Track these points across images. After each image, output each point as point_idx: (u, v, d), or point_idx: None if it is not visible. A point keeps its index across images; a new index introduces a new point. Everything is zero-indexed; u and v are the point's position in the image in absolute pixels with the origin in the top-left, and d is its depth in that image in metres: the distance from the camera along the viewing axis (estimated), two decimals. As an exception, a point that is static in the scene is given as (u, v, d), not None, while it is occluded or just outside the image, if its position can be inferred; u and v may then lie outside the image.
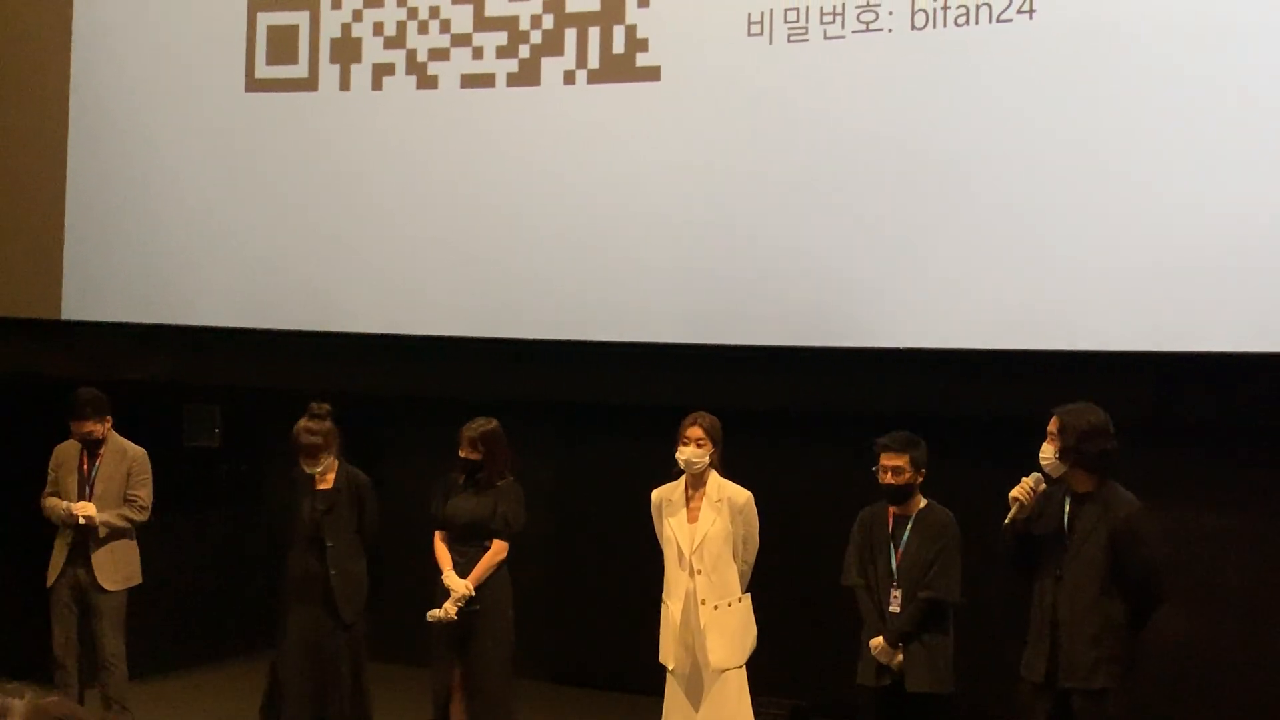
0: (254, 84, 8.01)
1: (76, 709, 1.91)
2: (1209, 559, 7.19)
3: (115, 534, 6.85)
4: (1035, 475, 5.26)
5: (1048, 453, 5.23)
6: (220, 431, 9.19)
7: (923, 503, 5.80)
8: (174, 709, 7.76)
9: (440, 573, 6.41)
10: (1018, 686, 5.38)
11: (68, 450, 6.99)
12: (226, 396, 9.08)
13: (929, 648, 5.67)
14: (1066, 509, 5.26)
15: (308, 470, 6.51)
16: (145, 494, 6.94)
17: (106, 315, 8.28)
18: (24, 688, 1.87)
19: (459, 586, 6.30)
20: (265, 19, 7.99)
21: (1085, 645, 5.14)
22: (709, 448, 5.96)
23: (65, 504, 6.79)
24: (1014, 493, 5.27)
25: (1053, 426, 5.24)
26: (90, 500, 6.82)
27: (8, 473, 7.40)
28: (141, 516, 6.93)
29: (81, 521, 6.73)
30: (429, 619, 6.33)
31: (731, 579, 5.96)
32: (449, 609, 6.28)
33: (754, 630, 6.02)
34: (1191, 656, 7.12)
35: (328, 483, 6.58)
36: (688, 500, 6.01)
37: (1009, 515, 5.29)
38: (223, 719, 7.64)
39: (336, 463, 6.57)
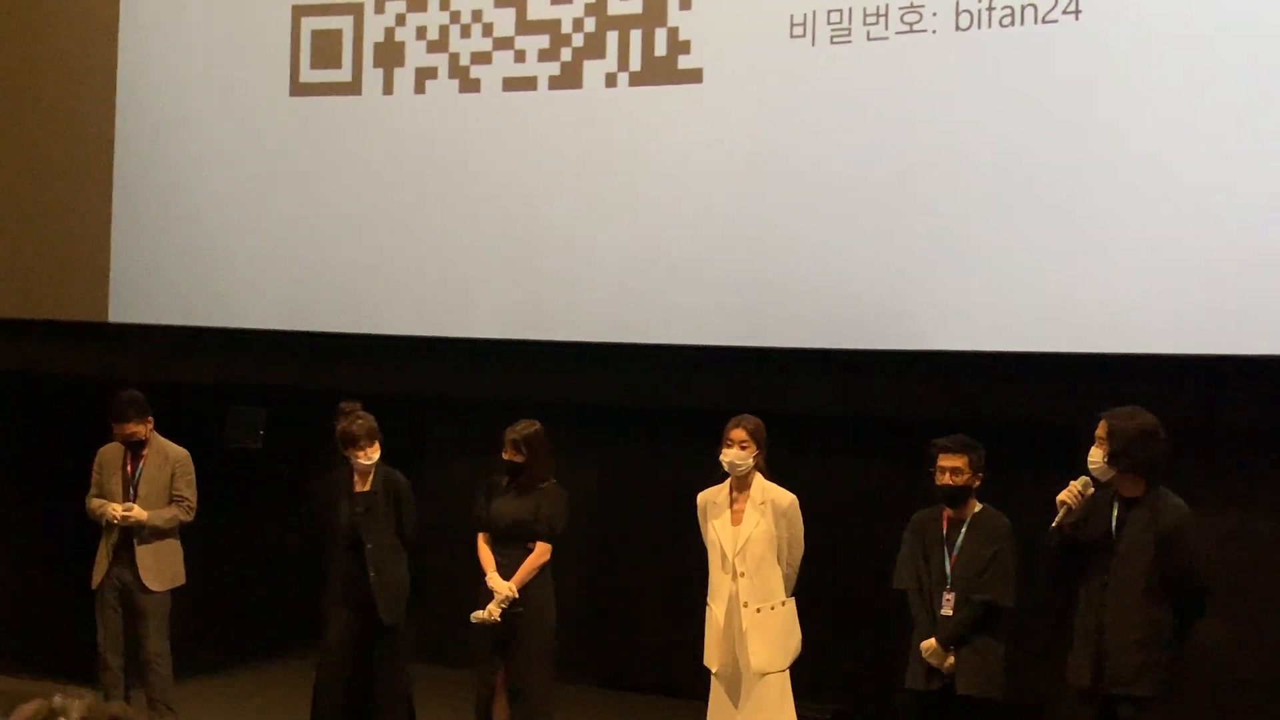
0: (298, 88, 8.05)
1: (137, 717, 1.92)
2: (1254, 564, 7.12)
3: (160, 535, 6.90)
4: (1084, 479, 5.20)
5: (1096, 457, 5.16)
6: (264, 433, 9.24)
7: (977, 506, 5.78)
8: (217, 709, 7.80)
9: (484, 574, 6.42)
10: (1064, 693, 5.33)
11: (111, 452, 7.03)
12: (270, 398, 9.13)
13: (981, 651, 5.64)
14: (1114, 514, 5.21)
15: (362, 461, 6.55)
16: (191, 494, 7.00)
17: (152, 318, 8.33)
18: (85, 692, 1.89)
19: (502, 588, 6.30)
20: (309, 23, 8.03)
21: (1131, 651, 5.09)
22: (753, 450, 5.94)
23: (112, 505, 6.84)
24: (1062, 496, 5.22)
25: (1101, 430, 5.17)
26: (135, 502, 6.87)
27: (54, 474, 7.47)
28: (189, 517, 6.99)
29: (121, 521, 6.77)
30: (472, 620, 6.34)
31: (775, 582, 5.94)
32: (493, 611, 6.29)
33: (798, 634, 6.00)
34: (1236, 662, 7.05)
35: (366, 484, 6.62)
36: (732, 503, 6.00)
37: (1056, 519, 5.24)
38: (267, 719, 7.68)
39: (377, 456, 6.61)
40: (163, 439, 7.05)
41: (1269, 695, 7.04)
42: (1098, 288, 6.31)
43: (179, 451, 7.04)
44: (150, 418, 6.98)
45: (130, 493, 6.91)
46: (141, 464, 6.95)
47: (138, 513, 6.80)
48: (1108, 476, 5.17)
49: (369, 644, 6.56)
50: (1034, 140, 6.42)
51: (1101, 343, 6.32)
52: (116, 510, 6.80)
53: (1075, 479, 5.22)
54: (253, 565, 8.92)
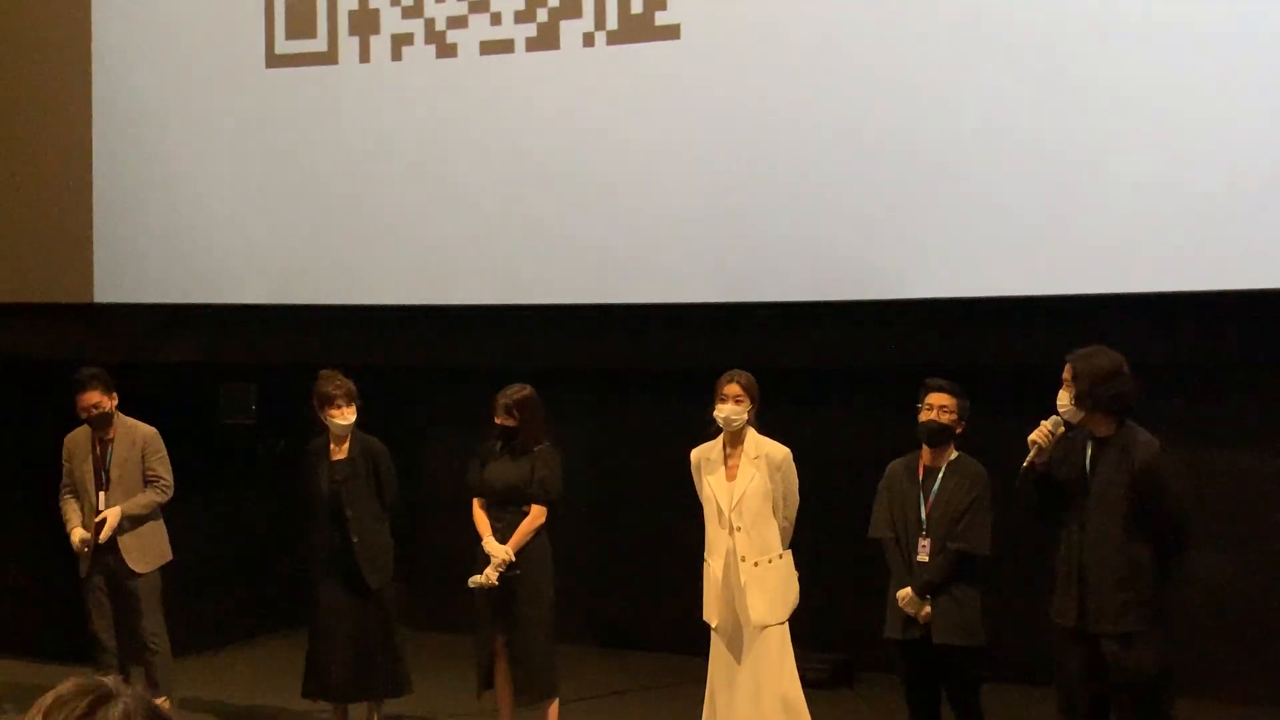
0: (274, 59, 7.99)
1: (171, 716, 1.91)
2: (1245, 500, 7.15)
3: (140, 519, 6.85)
4: (1054, 418, 5.25)
5: (1064, 400, 5.22)
6: (256, 409, 9.22)
7: (954, 454, 5.78)
8: (212, 686, 7.80)
9: (480, 539, 6.43)
10: (1055, 634, 5.35)
11: (78, 438, 6.95)
12: (261, 374, 9.11)
13: (958, 600, 5.64)
14: (1088, 454, 5.24)
15: (338, 421, 6.55)
16: (165, 471, 6.91)
17: (138, 297, 8.30)
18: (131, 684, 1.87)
19: (499, 552, 6.32)
20: (283, -7, 7.97)
21: (1112, 590, 5.12)
22: (747, 405, 5.95)
23: (79, 533, 6.79)
24: (1033, 436, 5.27)
25: (1067, 373, 5.23)
26: (108, 488, 6.82)
27: (44, 458, 7.43)
28: (164, 496, 6.91)
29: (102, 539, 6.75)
30: (470, 585, 6.36)
31: (771, 535, 5.95)
32: (490, 575, 6.30)
33: (796, 587, 6.01)
34: (1229, 597, 7.09)
35: (343, 452, 6.62)
36: (726, 458, 6.01)
37: (1028, 458, 5.28)
38: (262, 694, 7.68)
39: (353, 418, 6.59)
40: (128, 418, 6.95)
41: (1262, 627, 7.08)
42: (1079, 227, 6.31)
43: (147, 430, 6.94)
44: (114, 393, 6.88)
45: (102, 478, 6.84)
46: (110, 448, 6.87)
47: (110, 519, 6.73)
48: (1078, 418, 5.22)
49: (357, 610, 6.58)
50: (1019, 79, 6.40)
51: (1085, 283, 6.32)
52: (86, 538, 6.73)
53: (1046, 419, 5.25)
54: (248, 541, 8.91)
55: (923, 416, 5.74)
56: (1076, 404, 5.18)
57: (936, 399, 5.73)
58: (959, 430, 5.76)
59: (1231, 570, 7.07)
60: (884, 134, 6.65)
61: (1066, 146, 6.30)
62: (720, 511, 5.95)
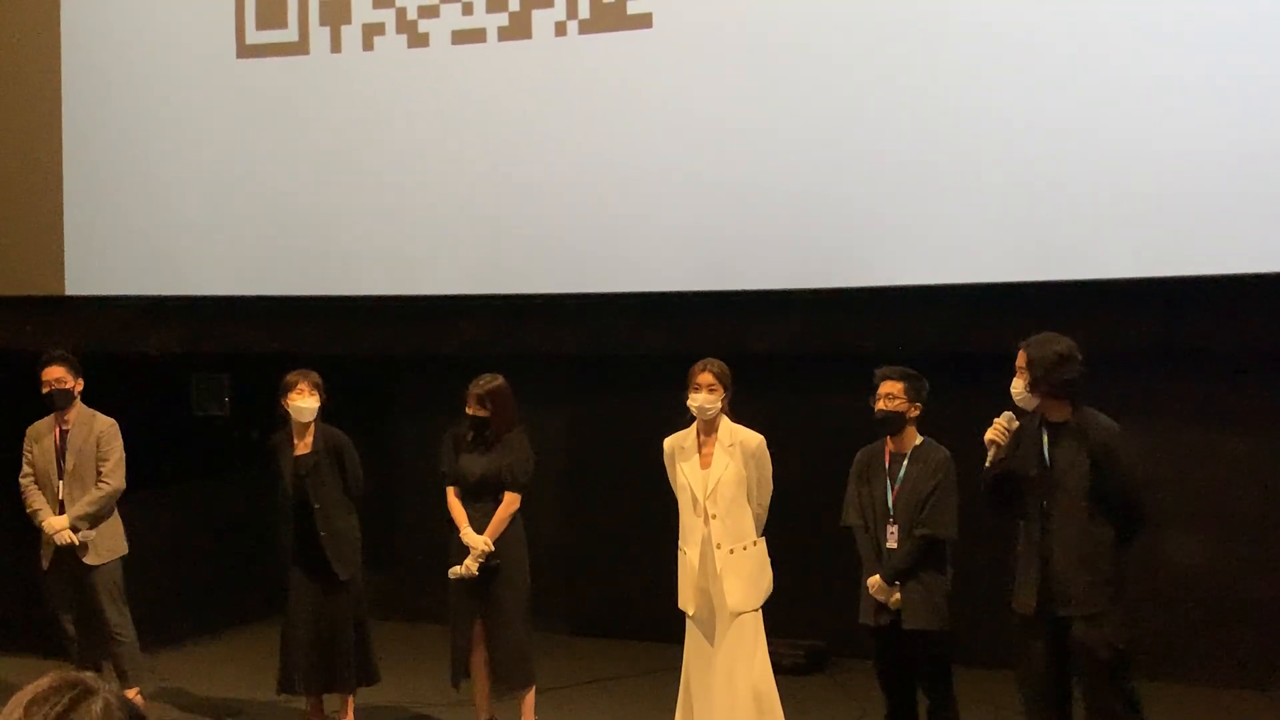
0: (245, 50, 7.97)
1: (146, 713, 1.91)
2: (1222, 483, 7.20)
3: (93, 514, 6.81)
4: (1007, 414, 5.29)
5: (1018, 387, 5.25)
6: (229, 400, 9.20)
7: (919, 439, 5.80)
8: (186, 678, 7.78)
9: (456, 529, 6.43)
10: (1016, 624, 5.37)
11: (41, 429, 6.92)
12: (234, 365, 9.09)
13: (926, 585, 5.66)
14: (1044, 440, 5.27)
15: (297, 403, 6.52)
16: (110, 465, 6.84)
17: (110, 289, 8.27)
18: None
19: (478, 543, 6.32)
20: (252, -16, 7.94)
21: (1077, 571, 5.15)
22: (720, 393, 5.96)
23: (48, 525, 6.75)
24: (989, 435, 5.31)
25: (1020, 360, 5.25)
26: (63, 478, 6.79)
27: (13, 451, 7.40)
28: (109, 489, 6.84)
29: (68, 540, 6.73)
30: (451, 577, 6.36)
31: (746, 523, 5.97)
32: (470, 566, 6.31)
33: (770, 574, 6.03)
34: (1205, 580, 7.14)
35: (306, 446, 6.60)
36: (700, 446, 6.02)
37: (988, 459, 5.31)
38: (236, 686, 7.66)
39: (314, 403, 6.59)
40: (88, 408, 6.90)
41: (1230, 610, 7.14)
42: (1053, 214, 6.35)
43: (105, 421, 6.89)
44: (80, 378, 6.85)
45: (59, 466, 6.83)
46: (68, 436, 6.82)
47: (64, 533, 6.72)
48: (1032, 405, 5.26)
49: (328, 602, 6.58)
50: (990, 69, 6.42)
51: (1059, 270, 6.35)
52: (66, 537, 6.72)
53: (999, 415, 5.29)
54: (221, 532, 8.88)
55: (876, 407, 5.77)
56: (1031, 390, 5.22)
57: (885, 388, 5.75)
58: (913, 413, 5.77)
59: (1201, 553, 7.12)
60: (858, 121, 6.67)
61: (1042, 136, 6.34)
62: (695, 499, 5.96)
